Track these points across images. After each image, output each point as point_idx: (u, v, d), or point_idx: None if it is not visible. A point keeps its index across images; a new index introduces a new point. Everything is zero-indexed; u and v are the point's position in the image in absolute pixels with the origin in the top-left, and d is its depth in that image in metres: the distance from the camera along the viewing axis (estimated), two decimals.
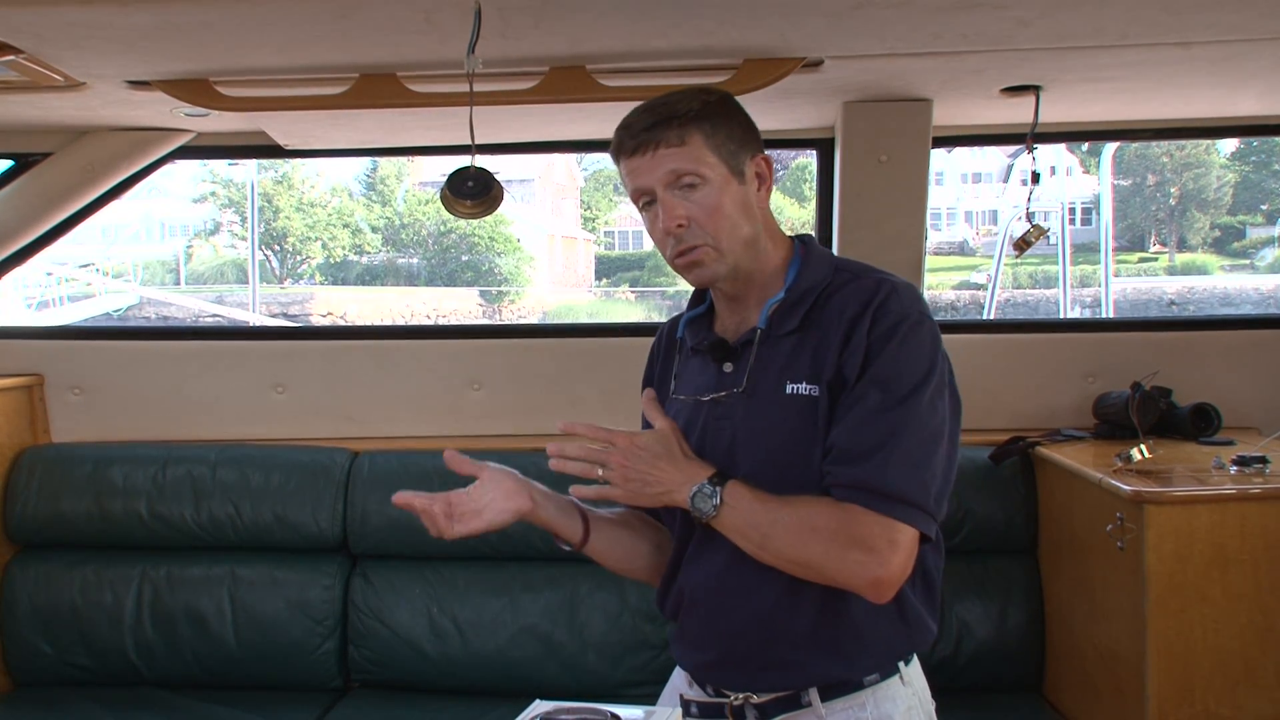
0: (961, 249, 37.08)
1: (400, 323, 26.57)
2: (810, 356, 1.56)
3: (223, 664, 2.98)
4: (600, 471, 1.54)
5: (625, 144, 1.58)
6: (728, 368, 1.63)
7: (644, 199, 1.59)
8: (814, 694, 1.59)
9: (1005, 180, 36.92)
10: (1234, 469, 2.44)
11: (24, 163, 3.06)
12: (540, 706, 1.34)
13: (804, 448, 1.54)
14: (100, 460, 3.09)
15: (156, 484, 3.04)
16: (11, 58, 2.12)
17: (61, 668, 3.01)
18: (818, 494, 1.50)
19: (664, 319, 1.89)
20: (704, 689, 1.68)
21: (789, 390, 1.55)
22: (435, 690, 2.95)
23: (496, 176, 2.26)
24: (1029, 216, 2.89)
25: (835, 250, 2.97)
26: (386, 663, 2.97)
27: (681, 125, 1.54)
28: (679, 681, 1.75)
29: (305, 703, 2.90)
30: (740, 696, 1.63)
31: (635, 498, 1.56)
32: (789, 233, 1.69)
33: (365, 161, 34.15)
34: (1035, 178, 2.85)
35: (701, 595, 1.64)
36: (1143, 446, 2.53)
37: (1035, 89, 2.57)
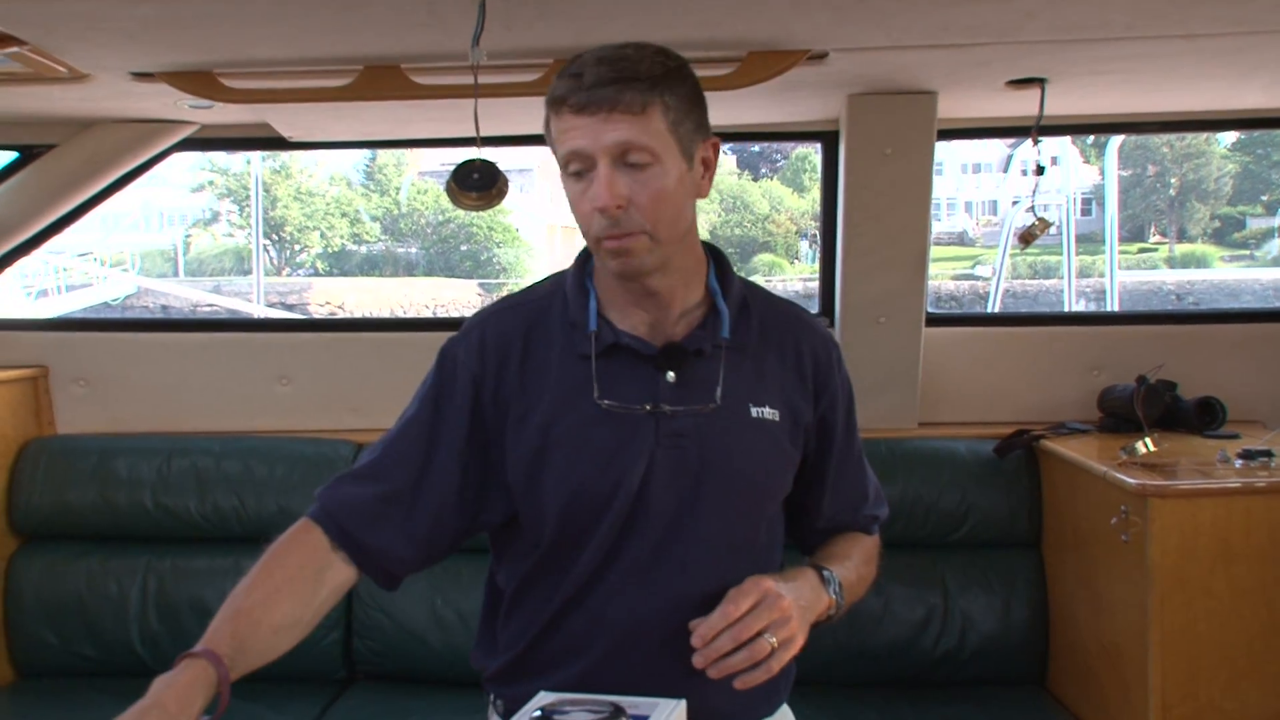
0: (961, 239, 37.04)
1: (399, 313, 26.55)
2: (772, 380, 1.47)
3: None
4: (773, 638, 1.31)
5: (571, 97, 1.32)
6: (671, 377, 1.42)
7: (576, 165, 1.35)
8: None
9: (1005, 170, 36.84)
10: (1239, 462, 2.45)
11: (28, 155, 3.05)
12: (543, 697, 1.33)
13: (773, 471, 1.49)
14: (105, 452, 3.09)
15: (161, 475, 3.05)
16: (16, 49, 2.11)
17: (67, 658, 3.01)
18: (778, 517, 1.55)
19: None
20: None
21: (754, 413, 1.44)
22: (439, 681, 2.95)
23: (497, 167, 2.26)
24: (1033, 209, 2.89)
25: (841, 245, 2.97)
26: (390, 654, 2.98)
27: (645, 90, 1.30)
28: None
29: (309, 694, 2.90)
30: None
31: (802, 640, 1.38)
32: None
33: (364, 150, 34.04)
34: (1040, 170, 2.84)
35: (651, 634, 1.42)
36: (1148, 440, 2.53)
37: (1040, 81, 2.56)
